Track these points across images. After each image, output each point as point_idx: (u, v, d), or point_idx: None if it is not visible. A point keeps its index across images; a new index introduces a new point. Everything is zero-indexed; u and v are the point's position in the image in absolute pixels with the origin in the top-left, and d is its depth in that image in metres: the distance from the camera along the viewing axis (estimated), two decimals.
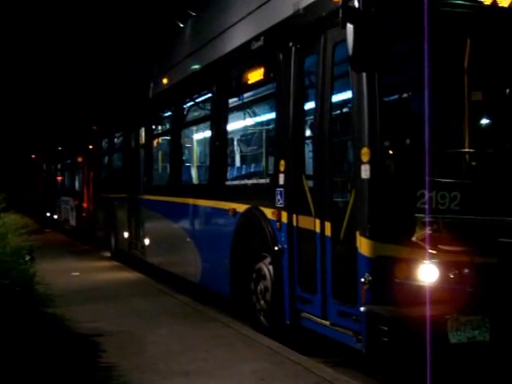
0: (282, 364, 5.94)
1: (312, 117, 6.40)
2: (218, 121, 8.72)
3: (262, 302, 7.26)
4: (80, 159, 22.59)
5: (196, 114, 10.05)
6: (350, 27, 5.02)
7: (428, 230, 5.10)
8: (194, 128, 10.14)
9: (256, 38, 7.52)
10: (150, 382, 5.44)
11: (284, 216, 6.67)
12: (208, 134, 9.27)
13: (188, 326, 7.53)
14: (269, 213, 6.98)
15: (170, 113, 11.25)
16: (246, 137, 8.45)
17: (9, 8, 20.69)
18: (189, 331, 7.29)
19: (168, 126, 11.51)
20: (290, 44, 6.67)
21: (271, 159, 7.24)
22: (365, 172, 5.29)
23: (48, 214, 28.18)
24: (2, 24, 21.23)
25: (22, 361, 4.67)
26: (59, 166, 27.85)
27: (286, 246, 6.64)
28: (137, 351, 6.48)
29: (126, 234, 13.86)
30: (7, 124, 29.50)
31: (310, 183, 6.31)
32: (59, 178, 27.57)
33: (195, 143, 10.22)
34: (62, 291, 9.90)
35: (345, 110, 6.05)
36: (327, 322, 5.97)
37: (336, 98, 6.06)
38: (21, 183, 30.81)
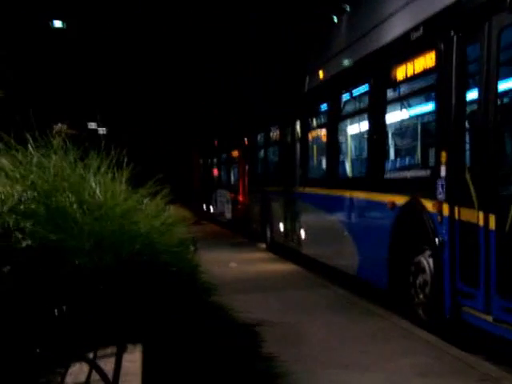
0: (441, 359, 5.82)
1: (475, 107, 6.21)
2: (375, 113, 8.65)
3: (421, 296, 7.14)
4: (235, 153, 23.14)
5: (352, 106, 10.01)
6: None
7: None
8: (351, 120, 10.09)
9: (415, 29, 7.39)
10: (310, 373, 5.50)
11: (445, 208, 6.51)
12: (365, 126, 9.21)
13: (345, 318, 7.53)
14: (429, 205, 6.84)
15: (325, 106, 11.27)
16: (404, 129, 8.31)
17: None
18: (346, 323, 7.30)
19: (324, 119, 11.53)
20: (452, 33, 6.50)
21: (432, 151, 7.08)
22: None
23: (204, 207, 29.09)
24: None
25: (187, 344, 4.86)
26: (215, 161, 28.67)
27: (446, 239, 6.48)
28: (296, 342, 6.55)
29: (281, 227, 14.07)
30: (167, 121, 30.71)
31: (473, 175, 6.12)
32: (215, 172, 28.38)
33: (351, 136, 10.17)
34: (221, 281, 10.18)
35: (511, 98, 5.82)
36: (490, 317, 5.78)
37: (502, 86, 5.83)
38: (179, 177, 32.00)
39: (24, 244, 4.35)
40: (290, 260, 12.92)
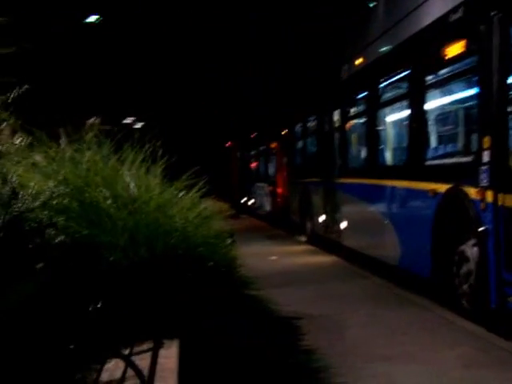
0: (487, 350, 5.63)
1: None
2: (414, 99, 8.44)
3: (465, 286, 6.93)
4: (274, 145, 23.03)
5: (391, 93, 9.80)
6: None
7: None
8: (389, 108, 9.89)
9: (454, 10, 7.17)
10: (351, 366, 5.36)
11: (489, 195, 6.30)
12: (405, 113, 9.00)
13: (387, 310, 7.36)
14: (472, 192, 6.63)
15: (363, 94, 11.07)
16: (445, 114, 8.09)
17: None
18: (388, 315, 7.13)
19: (362, 107, 11.33)
20: (492, 13, 6.28)
21: (474, 136, 6.86)
22: None
23: (243, 200, 29.06)
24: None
25: (225, 338, 4.77)
26: (253, 153, 28.61)
27: (491, 228, 6.27)
28: (336, 335, 6.42)
29: (321, 218, 13.92)
30: (205, 114, 30.71)
31: None
32: (253, 165, 28.34)
33: (391, 124, 9.97)
34: (260, 274, 10.10)
35: None
36: None
37: None
38: (217, 171, 32.03)
39: (57, 240, 4.30)
40: (330, 252, 12.77)
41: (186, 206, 5.73)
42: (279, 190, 21.40)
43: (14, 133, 4.89)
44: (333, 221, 12.91)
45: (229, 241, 6.36)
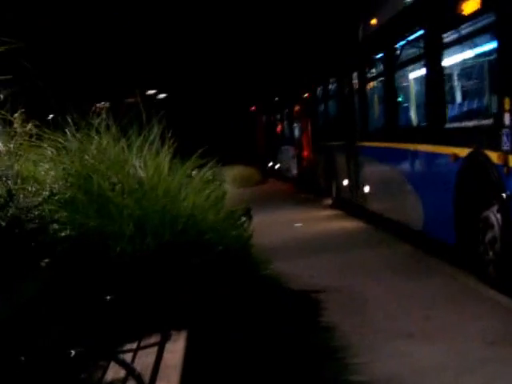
0: None
1: None
2: (433, 59, 8.14)
3: (491, 253, 6.72)
4: (298, 108, 22.75)
5: (410, 53, 9.47)
6: None
7: None
8: (409, 69, 9.59)
9: None
10: (370, 345, 5.22)
11: (511, 160, 6.07)
12: (424, 74, 8.73)
13: (411, 281, 7.18)
14: (494, 157, 6.39)
15: (381, 54, 10.77)
16: (465, 75, 7.81)
17: None
18: (411, 286, 6.95)
19: (381, 68, 11.03)
20: None
21: (494, 98, 6.58)
22: None
23: (270, 164, 28.90)
24: None
25: (237, 323, 4.67)
26: (278, 117, 28.29)
27: None
28: (358, 309, 6.29)
29: (345, 182, 13.74)
30: (229, 79, 30.42)
31: None
32: (279, 128, 28.04)
33: (411, 85, 9.68)
34: (283, 244, 10.07)
35: None
36: None
37: None
38: (243, 136, 31.85)
39: (63, 234, 4.22)
40: (355, 216, 12.61)
41: (197, 188, 5.61)
42: (305, 153, 21.17)
43: (26, 121, 4.81)
44: (357, 185, 12.71)
45: (243, 219, 6.23)
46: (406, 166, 9.44)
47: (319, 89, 17.01)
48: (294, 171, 23.07)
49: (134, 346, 3.90)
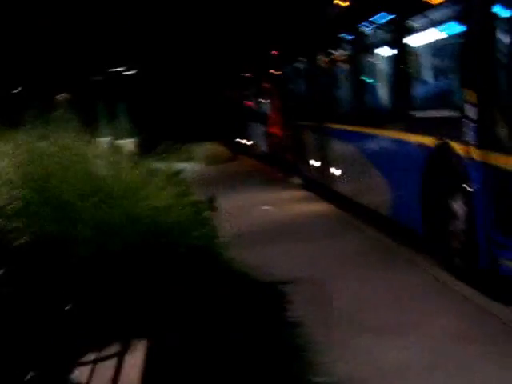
0: (480, 319, 5.41)
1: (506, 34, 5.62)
2: (400, 43, 8.09)
3: (457, 243, 6.74)
4: (269, 85, 22.59)
5: (376, 36, 9.42)
6: None
7: None
8: (375, 53, 9.53)
9: None
10: (336, 342, 5.17)
11: (476, 153, 6.05)
12: (391, 60, 8.67)
13: (379, 271, 7.13)
14: (460, 149, 6.38)
15: (348, 35, 10.69)
16: (432, 64, 7.75)
17: None
18: (380, 278, 6.90)
19: (348, 50, 10.95)
20: None
21: (460, 89, 6.54)
22: None
23: (240, 141, 28.71)
24: None
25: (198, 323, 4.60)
26: (249, 93, 28.03)
27: (478, 185, 6.05)
28: (325, 303, 6.21)
29: (315, 163, 13.71)
30: (200, 56, 29.95)
31: (506, 116, 5.62)
32: (250, 105, 27.80)
33: (378, 69, 9.61)
34: (253, 230, 9.98)
35: None
36: None
37: None
38: (215, 112, 31.50)
39: (21, 241, 4.12)
40: (325, 199, 12.53)
41: (159, 184, 5.51)
42: (275, 131, 21.05)
43: None
44: (326, 167, 12.67)
45: (205, 213, 6.13)
46: (374, 151, 9.40)
47: (290, 67, 16.88)
48: (265, 149, 22.97)
49: (93, 356, 3.82)
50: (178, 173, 6.17)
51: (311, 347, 5.12)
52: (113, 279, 4.28)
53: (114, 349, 3.92)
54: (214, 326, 4.77)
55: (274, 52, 19.57)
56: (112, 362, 3.69)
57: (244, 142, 27.80)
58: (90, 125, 6.19)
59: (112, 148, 8.18)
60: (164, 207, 5.14)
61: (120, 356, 3.71)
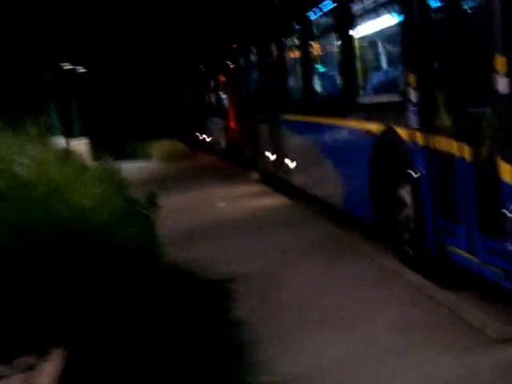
0: (427, 308, 5.25)
1: (443, 18, 5.48)
2: (344, 31, 7.93)
3: (406, 232, 6.57)
4: (224, 78, 22.31)
5: (321, 24, 9.26)
6: None
7: None
8: (322, 41, 9.37)
9: None
10: (281, 338, 4.98)
11: (420, 138, 5.89)
12: (336, 48, 8.50)
13: (330, 263, 6.94)
14: (404, 134, 6.22)
15: (295, 24, 10.50)
16: (373, 49, 7.59)
17: None
18: (330, 270, 6.72)
19: (295, 39, 10.76)
20: None
21: (402, 74, 6.37)
22: (502, 86, 4.41)
23: (199, 137, 28.39)
24: None
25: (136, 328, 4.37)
26: (206, 87, 27.68)
27: (424, 171, 5.89)
28: (272, 299, 6.02)
29: (270, 156, 13.51)
30: (153, 49, 29.54)
31: (446, 99, 5.46)
32: (207, 99, 27.46)
33: (325, 58, 9.44)
34: (204, 228, 9.75)
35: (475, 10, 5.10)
36: (473, 256, 5.22)
37: None
38: (171, 108, 31.11)
39: None
40: (281, 192, 12.36)
41: (89, 181, 5.25)
42: (233, 126, 20.79)
43: None
44: (281, 160, 12.47)
45: (144, 211, 5.88)
46: (324, 141, 9.24)
47: (242, 59, 16.63)
48: (223, 144, 22.69)
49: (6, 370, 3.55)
50: (112, 171, 5.88)
51: (253, 346, 4.93)
52: (31, 282, 4.01)
53: (31, 359, 3.66)
54: (148, 330, 4.53)
55: (234, 45, 19.27)
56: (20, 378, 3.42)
57: (204, 137, 27.46)
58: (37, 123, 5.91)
59: (59, 149, 7.90)
60: (94, 206, 4.88)
61: (34, 367, 3.45)
